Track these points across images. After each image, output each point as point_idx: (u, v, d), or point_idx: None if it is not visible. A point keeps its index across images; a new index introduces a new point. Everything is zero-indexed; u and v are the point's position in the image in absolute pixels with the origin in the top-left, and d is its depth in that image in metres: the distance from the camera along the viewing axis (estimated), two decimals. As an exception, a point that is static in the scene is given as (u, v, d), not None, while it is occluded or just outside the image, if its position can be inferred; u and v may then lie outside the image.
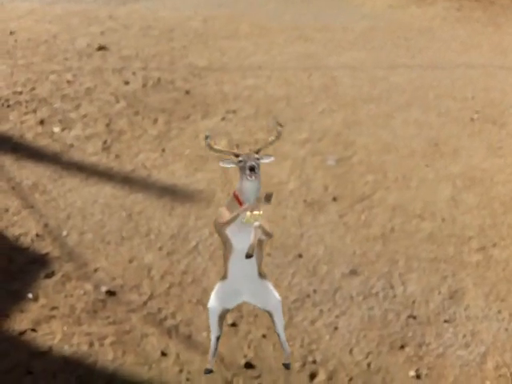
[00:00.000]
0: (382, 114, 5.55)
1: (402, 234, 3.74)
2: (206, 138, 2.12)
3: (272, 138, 2.11)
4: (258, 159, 2.03)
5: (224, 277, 2.18)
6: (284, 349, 2.31)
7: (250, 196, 2.03)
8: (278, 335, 2.29)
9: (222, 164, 2.10)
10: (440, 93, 6.11)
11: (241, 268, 2.12)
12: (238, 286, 2.17)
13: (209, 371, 2.33)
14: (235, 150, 2.19)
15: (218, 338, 2.29)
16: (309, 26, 8.51)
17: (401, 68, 6.86)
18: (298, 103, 5.69)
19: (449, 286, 3.29)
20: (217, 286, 2.23)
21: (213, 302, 2.22)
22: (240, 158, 2.04)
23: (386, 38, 8.12)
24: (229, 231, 2.06)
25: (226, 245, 2.10)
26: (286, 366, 2.37)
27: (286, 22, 8.71)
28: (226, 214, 2.05)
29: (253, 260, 2.08)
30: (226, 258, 2.13)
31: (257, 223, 2.01)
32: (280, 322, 2.26)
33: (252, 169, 1.99)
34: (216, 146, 2.13)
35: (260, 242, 2.10)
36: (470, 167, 4.59)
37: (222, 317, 2.27)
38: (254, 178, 2.00)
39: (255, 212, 2.01)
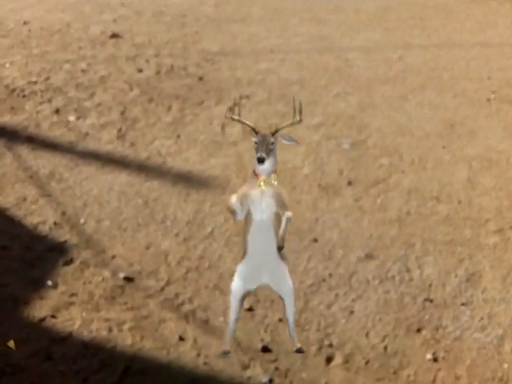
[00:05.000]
0: (397, 95, 5.49)
1: (418, 216, 3.73)
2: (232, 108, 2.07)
3: (292, 121, 2.05)
4: (272, 143, 2.02)
5: (244, 254, 2.16)
6: (291, 335, 2.30)
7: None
8: (288, 321, 2.28)
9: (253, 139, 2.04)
10: (455, 73, 6.03)
11: (260, 242, 2.11)
12: (258, 263, 2.15)
13: (227, 353, 2.31)
14: (253, 126, 2.12)
15: (236, 320, 2.30)
16: (321, 7, 8.42)
17: (415, 48, 6.77)
18: (311, 86, 5.65)
19: (466, 268, 3.28)
20: (238, 268, 2.22)
21: (236, 283, 2.20)
22: (255, 140, 2.02)
23: (399, 18, 8.01)
24: (249, 201, 2.06)
25: (246, 217, 2.09)
26: (300, 351, 2.36)
27: (299, 4, 8.63)
28: (243, 188, 2.07)
29: (271, 235, 2.07)
30: (245, 233, 2.11)
31: (289, 213, 2.01)
32: (290, 308, 2.24)
33: (261, 160, 1.98)
34: (236, 116, 2.10)
35: (278, 216, 2.08)
36: (487, 148, 4.54)
37: (242, 299, 2.28)
38: (261, 168, 2.00)
39: (270, 176, 2.02)
